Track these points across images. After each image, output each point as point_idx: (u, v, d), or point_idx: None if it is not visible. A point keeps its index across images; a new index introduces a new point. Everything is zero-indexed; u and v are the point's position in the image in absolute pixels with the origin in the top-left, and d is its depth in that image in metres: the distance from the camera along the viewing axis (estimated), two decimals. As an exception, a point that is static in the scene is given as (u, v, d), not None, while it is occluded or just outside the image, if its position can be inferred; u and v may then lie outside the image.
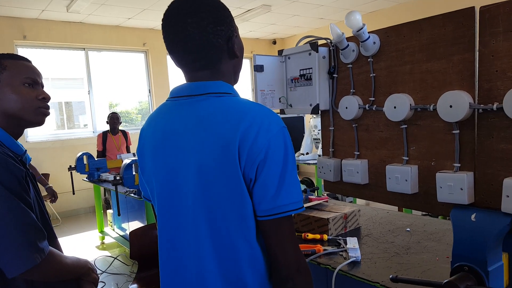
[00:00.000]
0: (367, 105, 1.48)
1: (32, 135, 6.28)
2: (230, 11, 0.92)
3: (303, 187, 4.15)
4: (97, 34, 6.78)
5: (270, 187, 0.82)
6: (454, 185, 1.19)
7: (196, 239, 0.87)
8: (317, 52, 1.56)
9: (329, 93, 1.64)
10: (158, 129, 0.94)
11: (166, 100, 0.97)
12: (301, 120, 6.04)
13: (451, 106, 1.18)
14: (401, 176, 1.35)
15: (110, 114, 5.29)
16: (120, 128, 5.36)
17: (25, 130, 1.24)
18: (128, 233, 3.40)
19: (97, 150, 5.27)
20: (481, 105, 1.13)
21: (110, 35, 6.92)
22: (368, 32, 1.43)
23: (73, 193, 4.88)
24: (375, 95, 1.47)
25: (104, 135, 5.25)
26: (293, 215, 0.86)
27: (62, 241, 4.82)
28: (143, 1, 5.69)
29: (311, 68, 1.60)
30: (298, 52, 1.66)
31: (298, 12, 6.69)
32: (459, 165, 1.22)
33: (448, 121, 1.20)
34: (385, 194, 1.42)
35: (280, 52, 1.73)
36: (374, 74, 1.46)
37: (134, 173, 3.56)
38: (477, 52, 1.14)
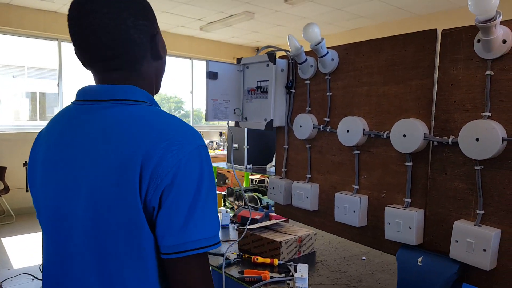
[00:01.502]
0: (321, 126, 1.37)
1: (-8, 125, 5.97)
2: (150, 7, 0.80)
3: (267, 201, 4.04)
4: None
5: (176, 218, 0.67)
6: (403, 223, 1.08)
7: (84, 285, 0.72)
8: (274, 64, 1.44)
9: (285, 109, 1.53)
10: (53, 138, 0.78)
11: (71, 103, 0.82)
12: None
13: (404, 136, 1.07)
14: (349, 206, 1.24)
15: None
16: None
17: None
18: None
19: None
20: (436, 137, 1.03)
21: (87, 27, 6.67)
22: (328, 48, 1.33)
23: (27, 190, 4.62)
24: (330, 115, 1.36)
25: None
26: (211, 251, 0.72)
27: (17, 239, 4.53)
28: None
29: (268, 80, 1.48)
30: (256, 62, 1.54)
31: (281, 22, 6.63)
32: (410, 200, 1.11)
33: (401, 151, 1.09)
34: (333, 224, 1.30)
35: (239, 61, 1.61)
36: (331, 93, 1.35)
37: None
38: (436, 79, 1.04)
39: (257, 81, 1.54)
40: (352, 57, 1.28)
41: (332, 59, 1.32)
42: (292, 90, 1.50)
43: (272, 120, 1.46)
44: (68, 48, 6.73)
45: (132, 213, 0.68)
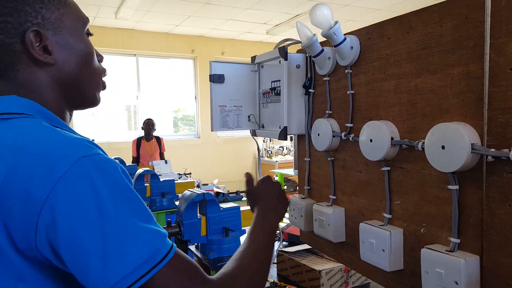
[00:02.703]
0: (343, 133, 1.06)
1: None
2: None
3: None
4: (147, 41, 6.85)
5: (86, 262, 0.52)
6: (446, 274, 0.74)
7: None
8: (286, 59, 1.17)
9: (305, 113, 1.24)
10: None
11: None
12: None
13: (443, 147, 0.73)
14: (377, 243, 0.91)
15: (145, 120, 5.24)
16: (154, 134, 5.28)
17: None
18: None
19: (132, 156, 5.24)
20: (492, 150, 0.68)
21: (160, 41, 6.96)
22: (346, 34, 1.02)
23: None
24: (353, 119, 1.05)
25: (138, 141, 5.20)
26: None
27: None
28: (187, 8, 5.60)
29: (280, 80, 1.21)
30: (270, 59, 1.28)
31: (351, 17, 6.17)
32: (457, 241, 0.76)
33: (439, 169, 0.75)
34: (363, 262, 0.99)
35: (253, 59, 1.37)
36: (353, 91, 1.04)
37: (146, 184, 3.37)
38: (487, 63, 0.69)
39: (271, 82, 1.28)
40: (376, 42, 0.96)
41: (352, 47, 1.01)
42: (311, 90, 1.21)
43: (285, 127, 1.19)
44: (144, 62, 7.08)
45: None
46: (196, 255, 2.17)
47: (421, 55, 0.83)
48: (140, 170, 3.30)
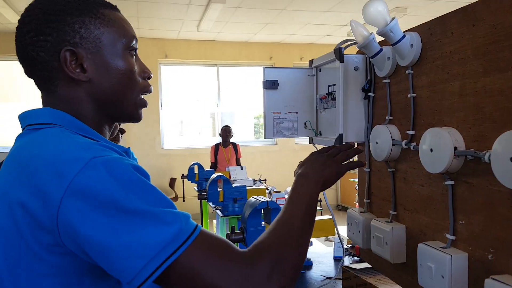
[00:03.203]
0: (404, 142, 0.95)
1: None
2: (78, 14, 0.67)
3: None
4: (227, 51, 7.10)
5: (112, 256, 0.55)
6: (518, 313, 0.61)
7: None
8: (342, 61, 1.10)
9: (364, 119, 1.15)
10: None
11: None
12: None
13: (511, 160, 0.61)
14: (436, 268, 0.79)
15: (223, 127, 5.41)
16: (231, 140, 5.42)
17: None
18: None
19: (210, 161, 5.44)
20: None
21: (239, 51, 7.16)
22: (406, 31, 0.92)
23: (183, 200, 5.12)
24: (415, 126, 0.93)
25: (216, 147, 5.39)
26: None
27: None
28: (264, 16, 5.69)
29: (336, 84, 1.14)
30: (326, 62, 1.22)
31: (442, 13, 5.71)
32: (532, 273, 0.63)
33: (509, 186, 0.63)
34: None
35: (311, 63, 1.31)
36: (414, 94, 0.93)
37: (219, 189, 3.46)
38: None
39: (328, 86, 1.21)
40: (438, 39, 0.84)
41: (412, 45, 0.90)
42: (371, 94, 1.11)
43: (341, 134, 1.11)
44: (225, 71, 7.34)
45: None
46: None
47: (489, 50, 0.70)
48: (213, 176, 3.40)
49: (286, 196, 3.25)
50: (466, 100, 0.77)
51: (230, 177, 4.77)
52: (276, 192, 3.80)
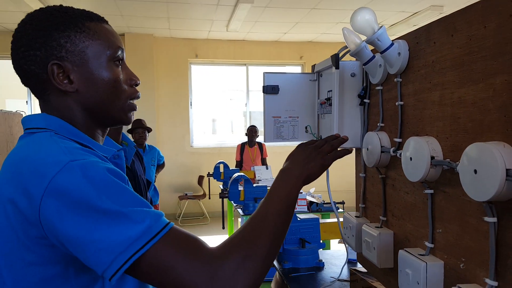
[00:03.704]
0: (392, 149, 0.96)
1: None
2: (64, 29, 0.71)
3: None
4: (257, 50, 7.14)
5: (86, 249, 0.61)
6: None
7: None
8: (337, 68, 1.11)
9: (361, 125, 1.16)
10: None
11: None
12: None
13: (475, 172, 0.62)
14: (412, 274, 0.80)
15: (249, 127, 5.46)
16: (257, 140, 5.47)
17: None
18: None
19: (236, 160, 5.51)
20: (534, 178, 0.55)
21: (269, 50, 7.19)
22: (396, 39, 0.93)
23: (209, 197, 5.22)
24: (402, 134, 0.94)
25: (242, 146, 5.45)
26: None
27: (210, 239, 5.14)
28: (293, 15, 5.68)
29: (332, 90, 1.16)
30: (326, 68, 1.23)
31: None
32: (495, 284, 0.63)
33: (472, 197, 0.63)
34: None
35: (313, 68, 1.34)
36: (402, 102, 0.93)
37: (240, 188, 3.52)
38: (532, 70, 0.56)
39: (327, 91, 1.23)
40: (423, 48, 0.85)
41: (399, 53, 0.91)
42: (366, 100, 1.12)
43: (336, 140, 1.13)
44: (254, 71, 7.40)
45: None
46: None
47: (464, 61, 0.71)
48: (235, 175, 3.46)
49: (308, 197, 3.27)
50: (444, 110, 0.77)
51: (255, 176, 4.82)
52: (297, 192, 3.79)
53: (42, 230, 0.62)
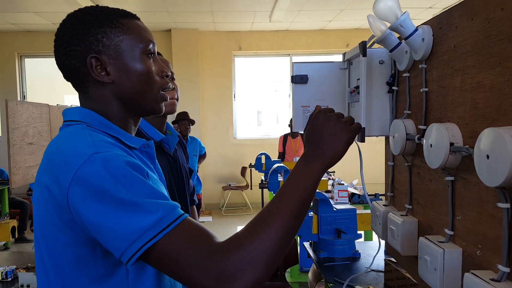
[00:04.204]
0: (417, 136, 0.96)
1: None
2: (100, 26, 0.77)
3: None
4: (301, 40, 7.08)
5: (105, 235, 0.67)
6: (489, 308, 0.62)
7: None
8: (365, 55, 1.11)
9: (389, 113, 1.15)
10: None
11: None
12: None
13: (488, 157, 0.61)
14: (430, 261, 0.81)
15: (292, 118, 5.47)
16: (301, 132, 5.46)
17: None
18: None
19: (278, 151, 5.54)
20: (546, 163, 0.54)
21: (314, 39, 7.10)
22: (422, 24, 0.92)
23: (250, 188, 5.31)
24: (427, 121, 0.93)
25: (284, 138, 5.47)
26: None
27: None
28: (338, 3, 5.58)
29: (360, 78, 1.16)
30: (355, 56, 1.23)
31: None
32: (507, 270, 0.62)
33: (485, 183, 0.63)
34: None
35: (344, 56, 1.34)
36: (426, 89, 0.92)
37: (279, 179, 3.55)
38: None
39: (357, 79, 1.23)
40: (446, 32, 0.83)
41: (423, 39, 0.90)
42: (395, 88, 1.11)
43: (363, 128, 1.13)
44: (298, 61, 7.33)
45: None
46: (308, 252, 2.21)
47: (483, 45, 0.69)
48: (274, 166, 3.49)
49: (350, 189, 3.23)
50: (465, 95, 0.76)
51: (296, 167, 4.83)
52: (339, 184, 3.78)
53: (71, 214, 0.68)
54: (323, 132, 0.77)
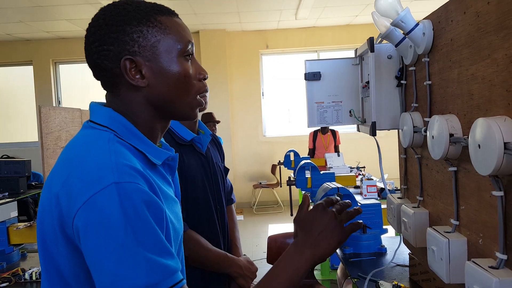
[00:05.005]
0: (423, 129, 0.97)
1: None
2: (137, 24, 0.70)
3: None
4: (328, 36, 7.04)
5: (98, 273, 0.61)
6: (485, 293, 0.64)
7: None
8: (372, 51, 1.13)
9: (400, 107, 1.17)
10: None
11: None
12: None
13: (479, 147, 0.63)
14: (437, 251, 0.82)
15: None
16: (330, 127, 5.44)
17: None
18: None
19: (308, 148, 5.55)
20: (530, 151, 0.55)
21: (341, 34, 7.04)
22: (423, 19, 0.93)
23: (280, 186, 5.34)
24: (431, 113, 0.94)
25: (314, 134, 5.46)
26: None
27: (282, 227, 5.29)
28: (363, -3, 5.50)
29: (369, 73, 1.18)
30: (366, 51, 1.25)
31: None
32: (504, 257, 0.64)
33: (478, 172, 0.65)
34: (430, 271, 0.91)
35: (356, 52, 1.36)
36: (430, 82, 0.94)
37: (307, 176, 3.57)
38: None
39: (368, 74, 1.25)
40: (443, 26, 0.85)
41: (423, 34, 0.91)
42: (403, 81, 1.13)
43: (374, 122, 1.16)
44: (324, 56, 7.30)
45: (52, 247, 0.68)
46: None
47: (475, 38, 0.71)
48: (301, 162, 3.52)
49: (379, 184, 3.15)
50: (462, 87, 0.77)
51: (326, 164, 4.82)
52: (368, 179, 3.74)
53: (73, 233, 0.63)
54: (318, 226, 0.75)
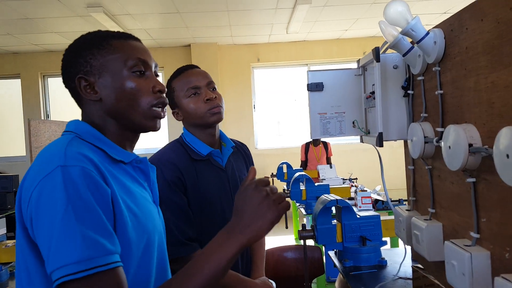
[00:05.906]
0: (435, 139, 0.95)
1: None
2: (89, 48, 0.82)
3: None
4: (318, 49, 7.10)
5: (43, 248, 0.66)
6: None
7: None
8: (378, 61, 1.12)
9: (407, 117, 1.15)
10: None
11: None
12: None
13: (508, 156, 0.61)
14: (458, 265, 0.79)
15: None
16: (322, 139, 5.43)
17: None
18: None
19: (301, 160, 5.53)
20: None
21: (331, 48, 7.11)
22: (433, 28, 0.92)
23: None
24: (444, 123, 0.92)
25: (306, 146, 5.46)
26: None
27: None
28: (353, 12, 5.58)
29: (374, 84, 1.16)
30: (369, 62, 1.24)
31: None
32: (535, 272, 0.61)
33: (507, 183, 0.62)
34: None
35: (358, 63, 1.34)
36: (441, 91, 0.92)
37: (302, 188, 3.54)
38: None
39: (372, 85, 1.23)
40: (457, 35, 0.83)
41: (435, 42, 0.90)
42: (410, 92, 1.11)
43: (380, 133, 1.13)
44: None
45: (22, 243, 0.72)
46: (333, 262, 2.18)
47: (495, 45, 0.69)
48: (296, 174, 3.49)
49: (373, 195, 3.18)
50: (480, 96, 0.76)
51: (318, 176, 4.80)
52: (362, 191, 3.72)
53: (30, 223, 0.69)
54: (250, 206, 0.75)
